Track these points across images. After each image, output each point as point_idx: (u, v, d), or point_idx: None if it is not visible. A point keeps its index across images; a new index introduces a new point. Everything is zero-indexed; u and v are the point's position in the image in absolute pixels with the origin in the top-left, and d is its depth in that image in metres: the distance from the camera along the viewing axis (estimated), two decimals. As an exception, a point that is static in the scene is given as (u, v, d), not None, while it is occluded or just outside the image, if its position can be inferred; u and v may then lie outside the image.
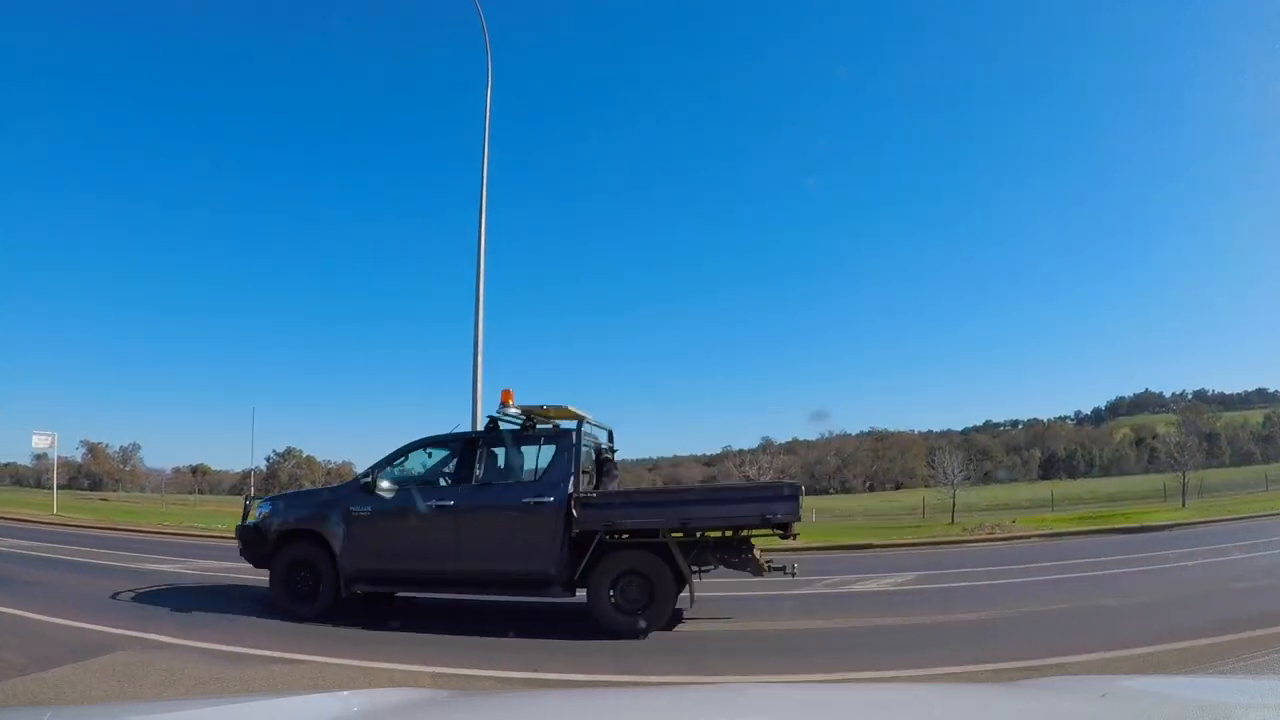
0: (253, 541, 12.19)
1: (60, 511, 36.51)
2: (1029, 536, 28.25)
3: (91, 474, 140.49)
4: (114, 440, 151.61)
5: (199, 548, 24.64)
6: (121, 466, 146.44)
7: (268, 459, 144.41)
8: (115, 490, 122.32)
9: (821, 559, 21.83)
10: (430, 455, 12.09)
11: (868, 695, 3.65)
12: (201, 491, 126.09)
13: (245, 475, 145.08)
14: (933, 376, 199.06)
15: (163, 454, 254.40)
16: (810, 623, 11.72)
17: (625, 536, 10.74)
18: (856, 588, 15.42)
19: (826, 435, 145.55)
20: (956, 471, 50.40)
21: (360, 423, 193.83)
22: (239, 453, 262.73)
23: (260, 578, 12.55)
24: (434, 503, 11.13)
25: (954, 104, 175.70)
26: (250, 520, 12.62)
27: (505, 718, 2.92)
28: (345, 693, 3.63)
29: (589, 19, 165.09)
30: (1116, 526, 29.82)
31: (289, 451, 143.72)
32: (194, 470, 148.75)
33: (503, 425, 11.79)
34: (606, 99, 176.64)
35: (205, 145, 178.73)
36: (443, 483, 11.67)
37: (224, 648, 9.27)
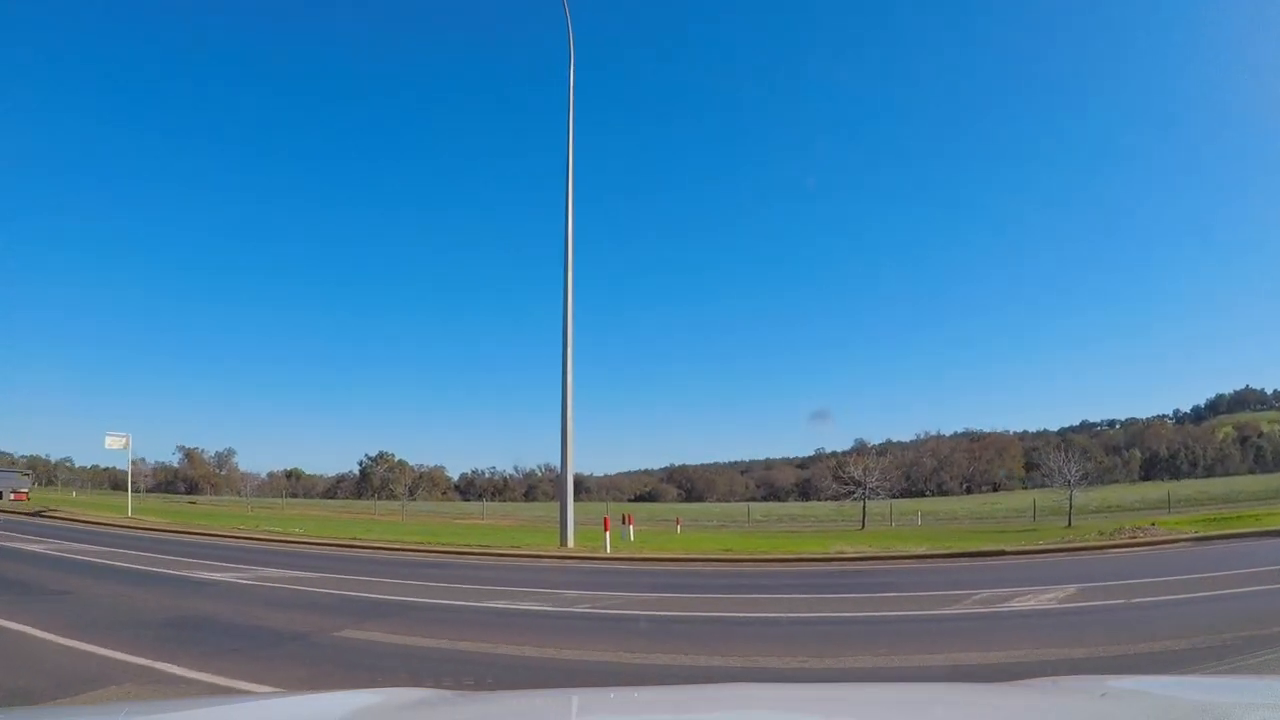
0: None
1: (136, 514, 35.87)
2: (1175, 541, 25.32)
3: (188, 478, 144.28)
4: (211, 445, 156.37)
5: (268, 553, 23.25)
6: (217, 471, 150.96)
7: (360, 463, 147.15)
8: (210, 494, 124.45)
9: (952, 569, 20.02)
10: None
11: (868, 695, 3.91)
12: (295, 495, 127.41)
13: (339, 479, 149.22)
14: (1027, 375, 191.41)
15: (260, 458, 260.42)
16: (986, 655, 9.10)
17: None
18: (1015, 605, 12.90)
19: (921, 436, 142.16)
20: (1073, 471, 46.64)
21: (452, 428, 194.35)
22: (334, 457, 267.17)
23: (324, 590, 11.07)
24: None
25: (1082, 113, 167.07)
26: None
27: (506, 718, 3.07)
28: (346, 692, 3.71)
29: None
30: (1267, 529, 26.52)
31: (381, 455, 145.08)
32: (288, 474, 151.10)
33: None
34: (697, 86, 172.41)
35: (293, 152, 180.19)
36: None
37: (246, 684, 7.65)
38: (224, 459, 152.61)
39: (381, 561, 21.83)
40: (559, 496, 28.72)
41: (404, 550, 25.45)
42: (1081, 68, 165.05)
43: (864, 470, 54.43)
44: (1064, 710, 2.80)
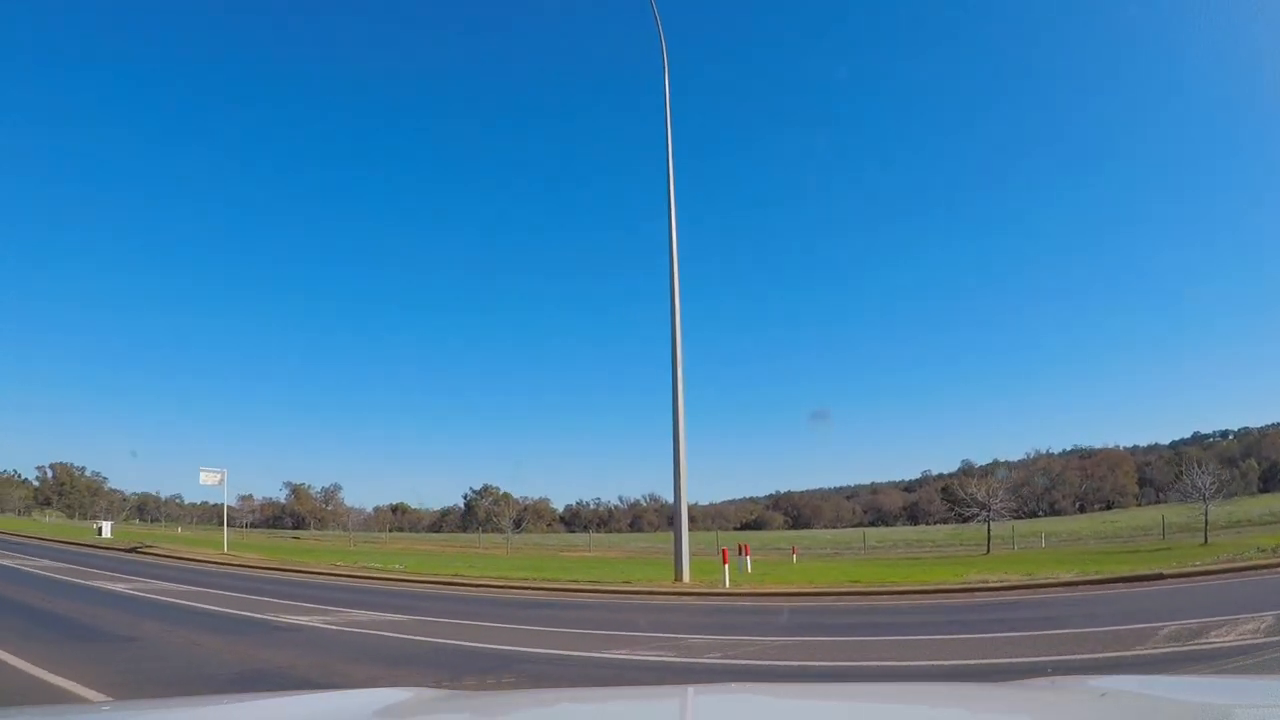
0: None
1: (232, 550, 35.06)
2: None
3: (295, 514, 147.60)
4: (319, 481, 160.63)
5: (362, 592, 21.86)
6: (324, 506, 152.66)
7: (465, 496, 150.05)
8: (316, 529, 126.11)
9: (1112, 596, 18.25)
10: None
11: (868, 695, 3.82)
12: (400, 529, 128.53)
13: (444, 513, 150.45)
14: (1133, 388, 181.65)
15: (366, 493, 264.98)
16: None
17: None
18: (1214, 640, 10.58)
19: (1031, 454, 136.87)
20: (1208, 486, 43.00)
21: (556, 459, 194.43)
22: (441, 491, 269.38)
23: (418, 636, 11.92)
24: None
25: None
26: None
27: (507, 718, 3.14)
28: (346, 692, 3.76)
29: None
30: None
31: (486, 489, 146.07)
32: (394, 509, 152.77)
33: None
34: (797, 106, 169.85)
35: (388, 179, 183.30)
36: None
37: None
38: (330, 494, 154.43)
39: (485, 601, 20.26)
40: (674, 528, 26.88)
41: (509, 588, 23.84)
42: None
43: (988, 491, 51.37)
44: (1064, 710, 2.83)
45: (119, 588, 19.07)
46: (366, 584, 24.97)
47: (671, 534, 26.81)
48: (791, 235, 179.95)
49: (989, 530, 49.61)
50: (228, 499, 42.77)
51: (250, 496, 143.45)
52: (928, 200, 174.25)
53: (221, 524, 44.96)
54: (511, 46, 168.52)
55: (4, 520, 70.62)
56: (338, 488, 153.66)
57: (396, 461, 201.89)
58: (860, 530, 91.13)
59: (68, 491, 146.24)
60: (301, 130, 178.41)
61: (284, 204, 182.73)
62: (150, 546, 36.36)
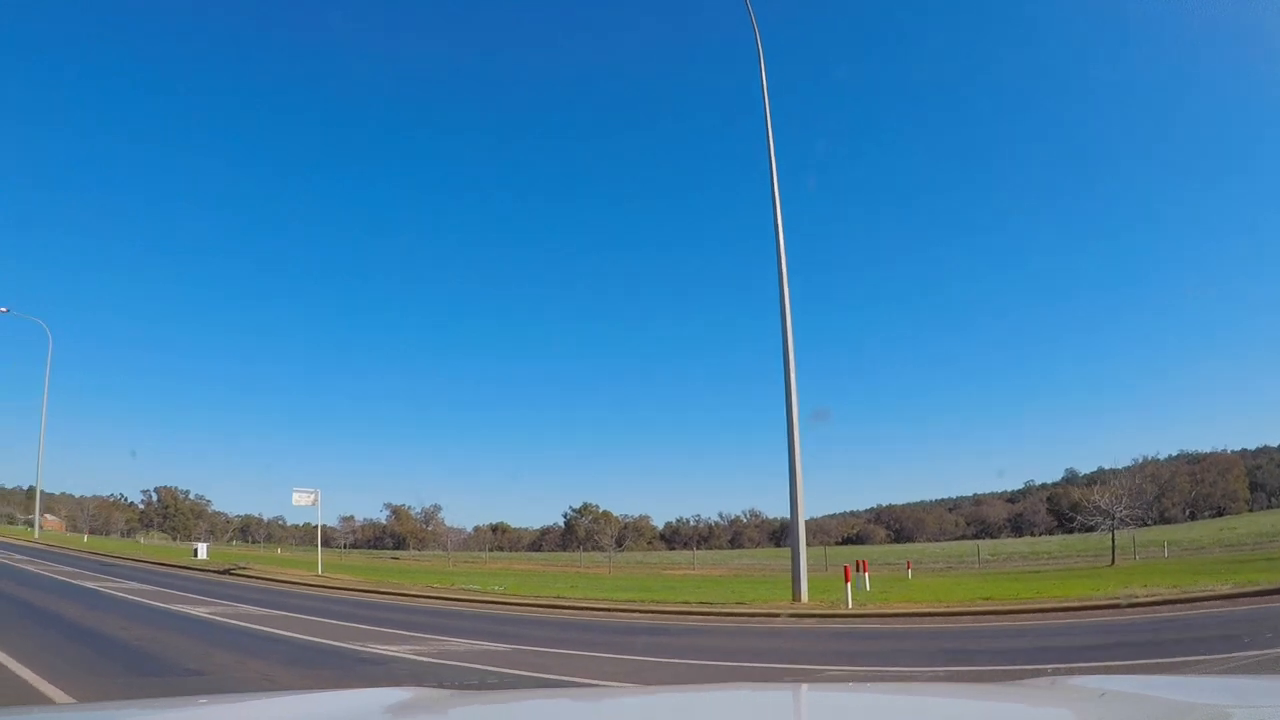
0: None
1: (326, 572, 34.07)
2: None
3: (395, 534, 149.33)
4: (419, 502, 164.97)
5: (460, 617, 20.41)
6: (423, 526, 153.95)
7: (565, 515, 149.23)
8: (415, 550, 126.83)
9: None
10: None
11: (867, 696, 3.97)
12: (500, 549, 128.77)
13: (543, 531, 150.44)
14: (1239, 389, 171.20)
15: (466, 513, 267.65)
16: None
17: None
18: None
19: (1139, 460, 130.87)
20: None
21: (659, 478, 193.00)
22: (540, 510, 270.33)
23: (518, 671, 10.84)
24: None
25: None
26: None
27: (507, 717, 3.11)
28: (346, 692, 3.72)
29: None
30: None
31: (585, 507, 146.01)
32: (494, 528, 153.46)
33: None
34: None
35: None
36: None
37: None
38: (430, 514, 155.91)
39: (591, 627, 18.60)
40: (790, 545, 24.99)
41: (615, 611, 22.17)
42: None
43: (1112, 499, 48.00)
44: (1064, 711, 2.88)
45: (200, 612, 17.88)
46: (464, 608, 23.53)
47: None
48: (888, 243, 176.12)
49: (1114, 540, 46.33)
50: (324, 520, 42.23)
51: (351, 518, 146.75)
52: (1023, 206, 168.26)
53: (323, 544, 44.37)
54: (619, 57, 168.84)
55: (105, 542, 71.56)
56: (437, 508, 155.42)
57: (495, 481, 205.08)
58: (971, 543, 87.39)
59: (172, 514, 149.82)
60: (426, 155, 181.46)
61: (396, 227, 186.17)
62: (244, 568, 35.66)
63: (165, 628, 15.28)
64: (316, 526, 38.24)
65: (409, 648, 13.56)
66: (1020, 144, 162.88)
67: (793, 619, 20.16)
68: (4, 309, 67.16)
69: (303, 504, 33.82)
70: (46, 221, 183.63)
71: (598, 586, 33.03)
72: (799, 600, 22.94)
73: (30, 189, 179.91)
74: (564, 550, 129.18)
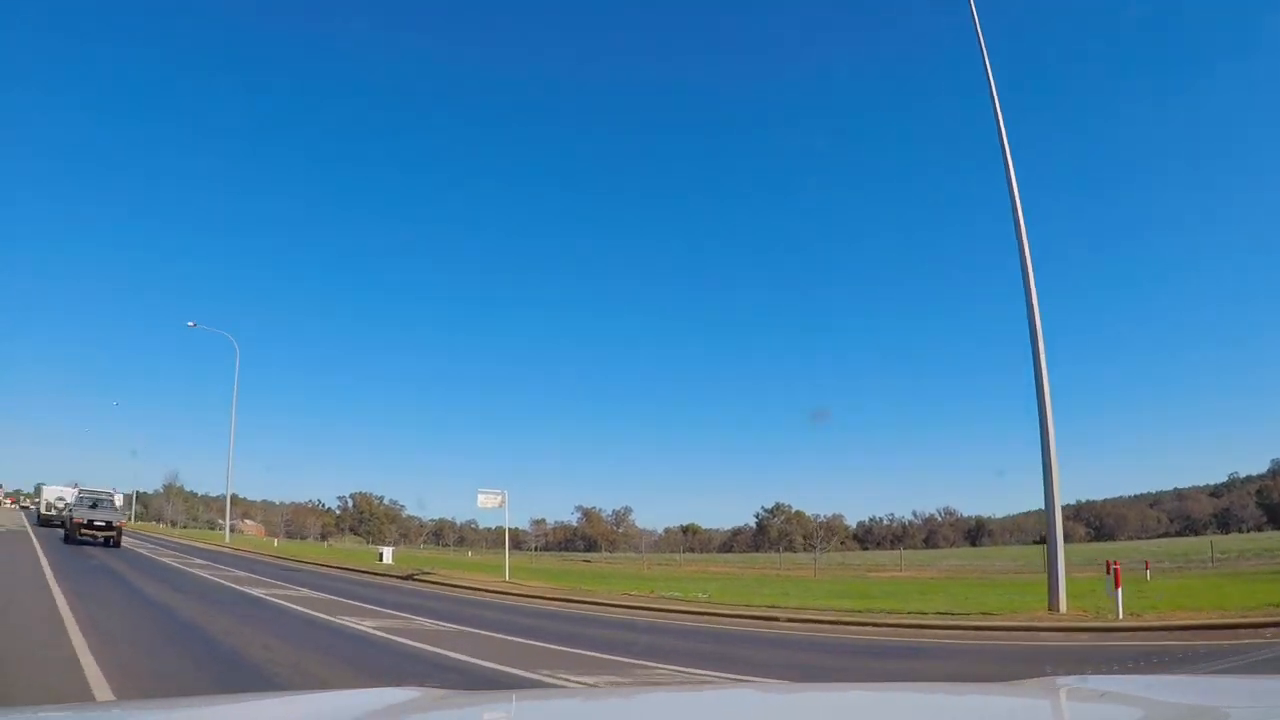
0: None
1: (514, 578, 31.64)
2: None
3: (586, 537, 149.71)
4: (609, 504, 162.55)
5: (664, 633, 17.51)
6: (614, 528, 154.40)
7: (757, 515, 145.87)
8: (607, 552, 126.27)
9: None
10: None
11: (867, 696, 3.95)
12: (690, 550, 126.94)
13: (734, 532, 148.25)
14: None
15: (656, 514, 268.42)
16: None
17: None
18: None
19: None
20: None
21: (849, 476, 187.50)
22: (730, 510, 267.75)
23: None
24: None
25: None
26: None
27: (507, 718, 3.21)
28: (348, 692, 3.87)
29: None
30: None
31: (778, 507, 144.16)
32: (684, 530, 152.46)
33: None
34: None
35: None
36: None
37: None
38: (621, 516, 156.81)
39: (819, 646, 15.59)
40: (1047, 543, 21.28)
41: (840, 624, 18.86)
42: None
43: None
44: (1063, 710, 2.91)
45: (365, 626, 15.32)
46: (668, 619, 20.50)
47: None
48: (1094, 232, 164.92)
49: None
50: (515, 523, 40.47)
51: (542, 520, 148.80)
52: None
53: (515, 547, 42.64)
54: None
55: (295, 546, 72.53)
56: (628, 510, 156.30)
57: (686, 481, 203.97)
58: (1186, 540, 79.32)
59: (366, 519, 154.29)
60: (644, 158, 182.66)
61: (575, 229, 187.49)
62: (428, 573, 33.77)
63: (316, 649, 12.69)
64: (504, 529, 36.01)
65: (609, 677, 10.47)
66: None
67: (1059, 633, 16.97)
68: (192, 323, 68.93)
69: (489, 505, 31.59)
70: (233, 232, 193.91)
71: (808, 592, 29.53)
72: (1056, 609, 19.29)
73: (218, 199, 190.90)
74: (756, 551, 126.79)
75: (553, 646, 13.87)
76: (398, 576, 32.78)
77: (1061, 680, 3.61)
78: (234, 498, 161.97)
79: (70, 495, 56.34)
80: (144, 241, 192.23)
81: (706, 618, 20.78)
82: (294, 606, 18.24)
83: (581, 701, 3.65)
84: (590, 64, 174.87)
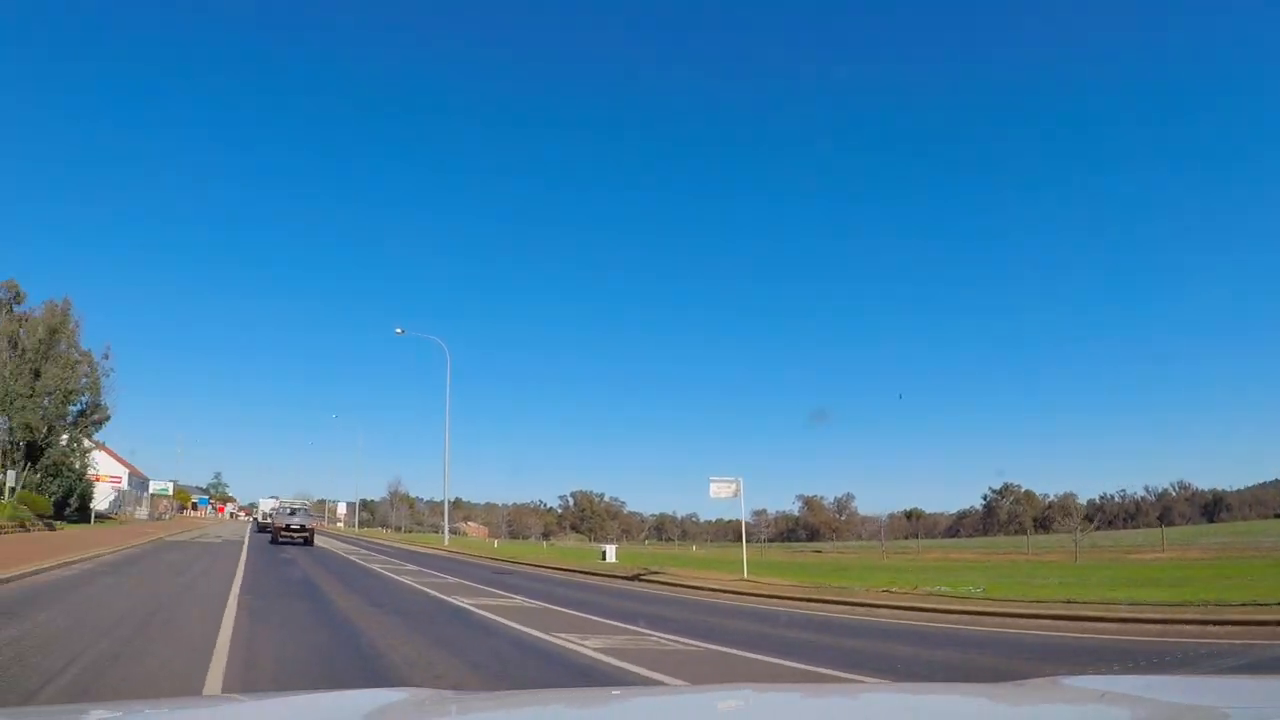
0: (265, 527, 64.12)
1: (753, 575, 27.80)
2: None
3: (809, 526, 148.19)
4: (829, 491, 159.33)
5: (974, 645, 13.10)
6: (837, 516, 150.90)
7: (985, 496, 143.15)
8: (834, 541, 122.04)
9: None
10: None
11: (867, 697, 4.22)
12: (914, 536, 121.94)
13: (959, 515, 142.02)
14: None
15: (878, 500, 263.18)
16: None
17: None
18: None
19: None
20: None
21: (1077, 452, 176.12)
22: (953, 493, 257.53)
23: None
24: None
25: None
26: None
27: (506, 718, 3.15)
28: (344, 692, 3.93)
29: None
30: None
31: (1006, 488, 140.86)
32: (908, 515, 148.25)
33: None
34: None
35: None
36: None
37: None
38: (843, 504, 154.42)
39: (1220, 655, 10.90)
40: None
41: (1178, 623, 14.48)
42: None
43: None
44: (1063, 710, 2.92)
45: (588, 648, 11.77)
46: (956, 624, 16.28)
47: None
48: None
49: None
50: (738, 514, 36.82)
51: (764, 511, 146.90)
52: None
53: (738, 540, 39.08)
54: None
55: (514, 547, 70.88)
56: (850, 497, 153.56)
57: (906, 465, 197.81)
58: None
59: (587, 516, 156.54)
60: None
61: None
62: (655, 572, 30.19)
63: (524, 686, 9.23)
64: (730, 521, 32.49)
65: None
66: None
67: None
68: (400, 330, 68.96)
69: (722, 495, 27.98)
70: (441, 242, 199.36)
71: (1086, 581, 24.13)
72: None
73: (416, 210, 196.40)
74: (985, 534, 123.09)
75: (844, 674, 9.91)
76: (623, 577, 29.44)
77: (1062, 680, 3.62)
78: (457, 501, 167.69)
79: (276, 506, 67.97)
80: (354, 252, 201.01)
81: (1002, 620, 16.43)
82: (503, 621, 14.97)
83: (579, 703, 3.49)
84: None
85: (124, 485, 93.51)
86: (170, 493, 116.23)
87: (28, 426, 52.51)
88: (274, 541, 48.85)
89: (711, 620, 16.95)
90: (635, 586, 26.35)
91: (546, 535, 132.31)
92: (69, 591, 16.66)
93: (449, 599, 18.75)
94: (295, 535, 49.73)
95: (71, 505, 57.70)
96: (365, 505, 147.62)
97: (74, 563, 22.70)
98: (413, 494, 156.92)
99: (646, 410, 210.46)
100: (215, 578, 21.22)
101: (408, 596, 19.47)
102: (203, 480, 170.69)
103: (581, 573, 32.43)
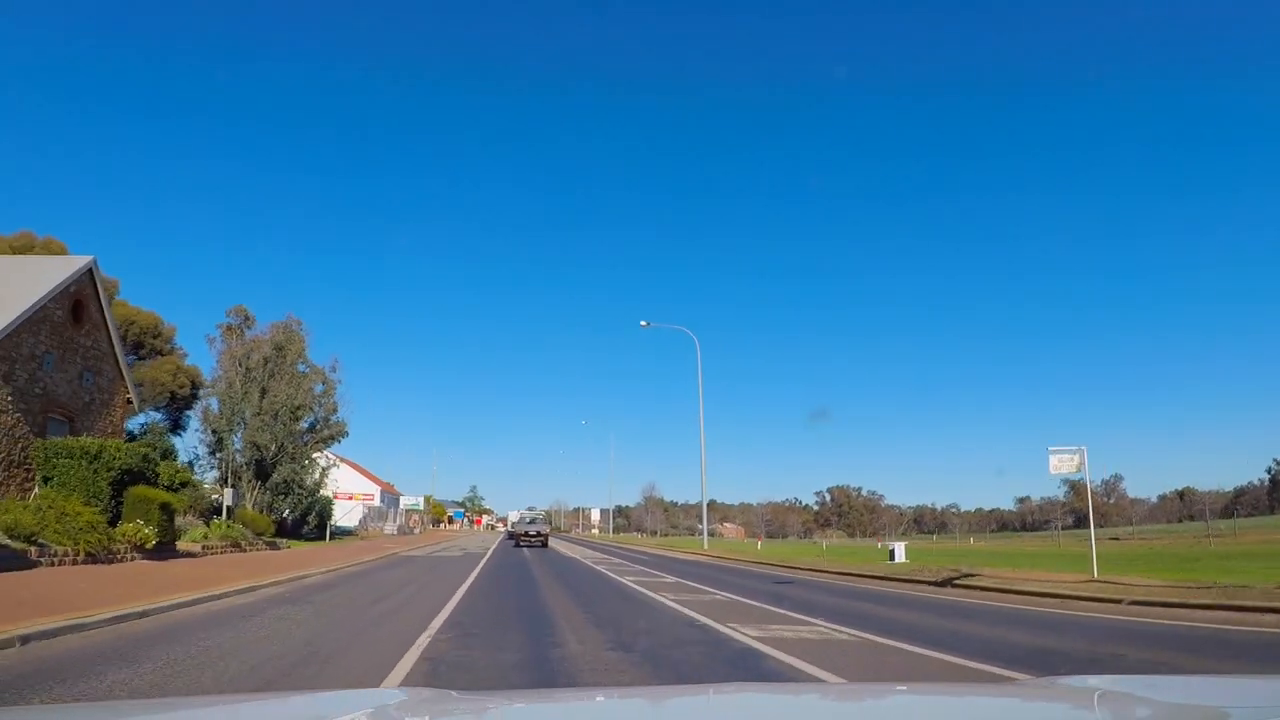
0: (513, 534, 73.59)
1: (1104, 572, 20.96)
2: None
3: (1075, 510, 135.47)
4: (1095, 474, 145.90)
5: None
6: (1105, 500, 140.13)
7: (1269, 470, 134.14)
8: (1102, 528, 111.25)
9: None
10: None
11: (867, 695, 3.92)
12: (1189, 517, 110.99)
13: (1236, 493, 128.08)
14: None
15: (1145, 482, 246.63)
16: None
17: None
18: None
19: None
20: None
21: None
22: (1228, 469, 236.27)
23: None
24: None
25: None
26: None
27: (506, 718, 3.14)
28: (343, 692, 4.12)
29: None
30: None
31: None
32: (1180, 495, 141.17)
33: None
34: None
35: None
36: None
37: None
38: (1111, 486, 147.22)
39: None
40: None
41: None
42: None
43: None
44: (1063, 710, 2.83)
45: None
46: None
47: None
48: None
49: None
50: (1000, 501, 29.31)
51: (1027, 498, 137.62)
52: None
53: (1001, 530, 32.14)
54: None
55: (780, 548, 65.08)
56: (1118, 478, 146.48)
57: (1175, 442, 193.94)
58: None
59: (845, 511, 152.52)
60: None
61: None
62: (970, 576, 23.24)
63: None
64: (1000, 509, 26.84)
65: None
66: None
67: None
68: (645, 323, 65.32)
69: (1063, 470, 21.46)
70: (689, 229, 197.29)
71: None
72: None
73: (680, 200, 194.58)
74: (1270, 513, 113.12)
75: None
76: (929, 583, 22.87)
77: (1063, 680, 3.63)
78: (711, 503, 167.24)
79: (519, 517, 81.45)
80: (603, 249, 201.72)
81: None
82: (813, 670, 9.23)
83: (578, 703, 3.58)
84: None
85: (376, 502, 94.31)
86: (421, 507, 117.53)
87: (254, 445, 51.43)
88: (516, 545, 61.46)
89: (1107, 649, 10.84)
90: (952, 596, 19.79)
91: (806, 533, 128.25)
92: (210, 629, 12.24)
93: (722, 628, 13.13)
94: (533, 539, 63.16)
95: (310, 523, 56.16)
96: (620, 511, 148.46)
97: (261, 587, 18.62)
98: (666, 498, 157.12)
99: (905, 404, 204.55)
100: (420, 606, 16.48)
101: (666, 627, 13.74)
102: (458, 494, 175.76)
103: (872, 577, 26.11)
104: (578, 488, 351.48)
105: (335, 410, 58.82)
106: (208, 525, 33.34)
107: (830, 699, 4.00)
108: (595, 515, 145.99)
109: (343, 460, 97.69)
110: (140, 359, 45.44)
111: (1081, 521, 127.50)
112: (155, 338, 47.86)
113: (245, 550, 33.06)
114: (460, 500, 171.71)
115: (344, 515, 74.34)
